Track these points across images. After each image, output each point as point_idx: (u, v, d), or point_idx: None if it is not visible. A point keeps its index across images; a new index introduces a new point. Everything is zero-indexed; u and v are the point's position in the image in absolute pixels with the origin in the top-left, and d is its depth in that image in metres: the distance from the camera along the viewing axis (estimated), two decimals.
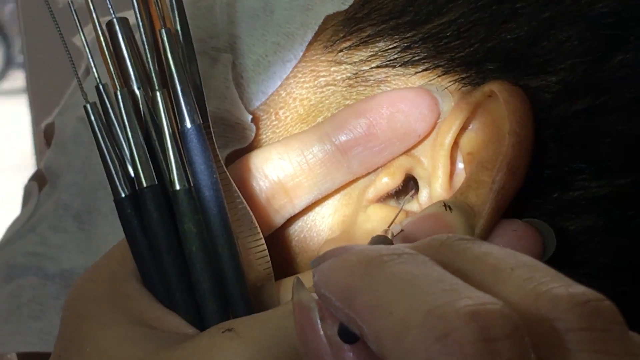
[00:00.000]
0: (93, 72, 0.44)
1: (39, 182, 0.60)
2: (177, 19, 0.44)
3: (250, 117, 0.49)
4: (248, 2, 0.51)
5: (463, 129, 0.46)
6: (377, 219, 0.47)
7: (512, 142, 0.44)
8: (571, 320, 0.29)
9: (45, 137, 0.62)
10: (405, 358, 0.28)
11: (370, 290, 0.30)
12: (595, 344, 0.29)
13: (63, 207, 0.56)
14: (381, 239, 0.42)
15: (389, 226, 0.45)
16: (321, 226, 0.49)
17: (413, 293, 0.29)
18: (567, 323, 0.29)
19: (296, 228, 0.49)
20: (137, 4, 0.43)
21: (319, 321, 0.33)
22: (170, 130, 0.43)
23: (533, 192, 0.46)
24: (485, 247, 0.33)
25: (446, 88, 0.47)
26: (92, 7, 0.43)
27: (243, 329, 0.39)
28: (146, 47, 0.43)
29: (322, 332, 0.33)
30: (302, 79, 0.49)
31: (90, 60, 0.44)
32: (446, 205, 0.44)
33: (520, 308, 0.29)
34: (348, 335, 0.32)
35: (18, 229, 0.58)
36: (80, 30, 0.45)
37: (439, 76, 0.47)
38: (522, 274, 0.31)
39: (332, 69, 0.49)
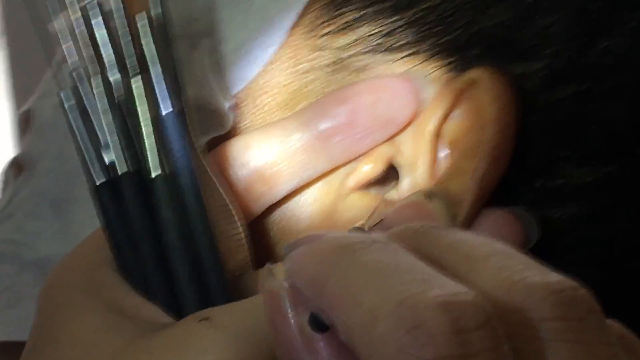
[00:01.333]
0: (67, 58, 0.44)
1: (16, 169, 0.60)
2: (156, 2, 0.44)
3: (229, 103, 0.49)
4: None
5: (446, 117, 0.46)
6: (358, 207, 0.47)
7: (494, 130, 0.44)
8: (546, 310, 0.29)
9: (21, 124, 0.62)
10: (375, 349, 0.28)
11: (339, 280, 0.30)
12: (571, 334, 0.29)
13: (40, 194, 0.56)
14: (358, 232, 0.42)
15: (370, 216, 0.45)
16: (301, 215, 0.49)
17: (383, 283, 0.29)
18: (542, 312, 0.29)
19: (275, 217, 0.49)
20: None
21: (289, 310, 0.33)
22: (147, 116, 0.43)
23: (517, 180, 0.46)
24: (460, 234, 0.33)
25: (429, 74, 0.47)
26: None
27: (219, 318, 0.39)
28: (123, 31, 0.43)
29: (292, 321, 0.33)
30: (283, 65, 0.50)
31: (64, 46, 0.44)
32: (427, 194, 0.44)
33: (494, 297, 0.29)
34: (319, 325, 0.32)
35: None
36: (54, 15, 0.45)
37: (421, 62, 0.47)
38: (497, 262, 0.31)
39: (314, 55, 0.49)
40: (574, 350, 0.29)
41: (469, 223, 0.45)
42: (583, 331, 0.29)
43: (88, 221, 0.53)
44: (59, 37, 0.44)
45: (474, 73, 0.45)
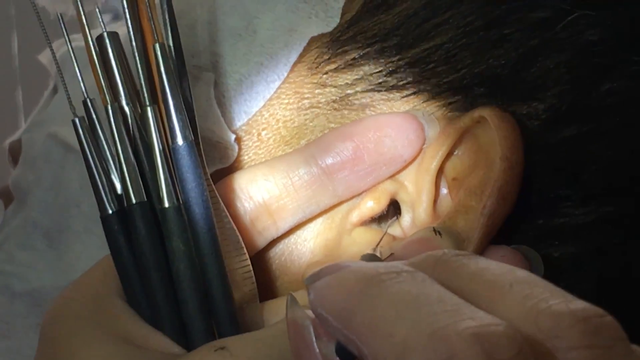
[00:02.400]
0: (81, 86, 0.45)
1: (4, 199, 0.60)
2: (169, 34, 0.45)
3: (233, 136, 0.50)
4: (229, 21, 0.51)
5: (448, 155, 0.48)
6: (362, 242, 0.48)
7: (503, 168, 0.45)
8: (573, 338, 0.30)
9: (10, 154, 0.62)
10: None
11: (369, 311, 0.31)
12: None
13: (32, 224, 0.56)
14: (372, 257, 0.43)
15: (374, 249, 0.46)
16: (302, 249, 0.50)
17: (414, 314, 0.30)
18: (569, 341, 0.30)
19: (277, 251, 0.50)
20: (130, 18, 0.44)
21: (314, 339, 0.33)
22: (160, 147, 0.43)
23: (519, 218, 0.47)
24: (482, 262, 0.33)
25: (432, 114, 0.48)
26: (84, 20, 0.44)
27: (235, 348, 0.40)
28: (138, 62, 0.44)
29: (317, 351, 0.33)
30: (286, 100, 0.51)
31: (79, 74, 0.45)
32: (436, 230, 0.45)
33: (521, 326, 0.30)
34: (345, 355, 0.32)
35: None
36: (68, 43, 0.45)
37: (424, 101, 0.49)
38: (521, 290, 0.31)
39: (317, 91, 0.50)
40: None
41: None
42: (611, 358, 0.30)
43: (83, 252, 0.54)
44: (75, 65, 0.45)
45: (481, 112, 0.47)
